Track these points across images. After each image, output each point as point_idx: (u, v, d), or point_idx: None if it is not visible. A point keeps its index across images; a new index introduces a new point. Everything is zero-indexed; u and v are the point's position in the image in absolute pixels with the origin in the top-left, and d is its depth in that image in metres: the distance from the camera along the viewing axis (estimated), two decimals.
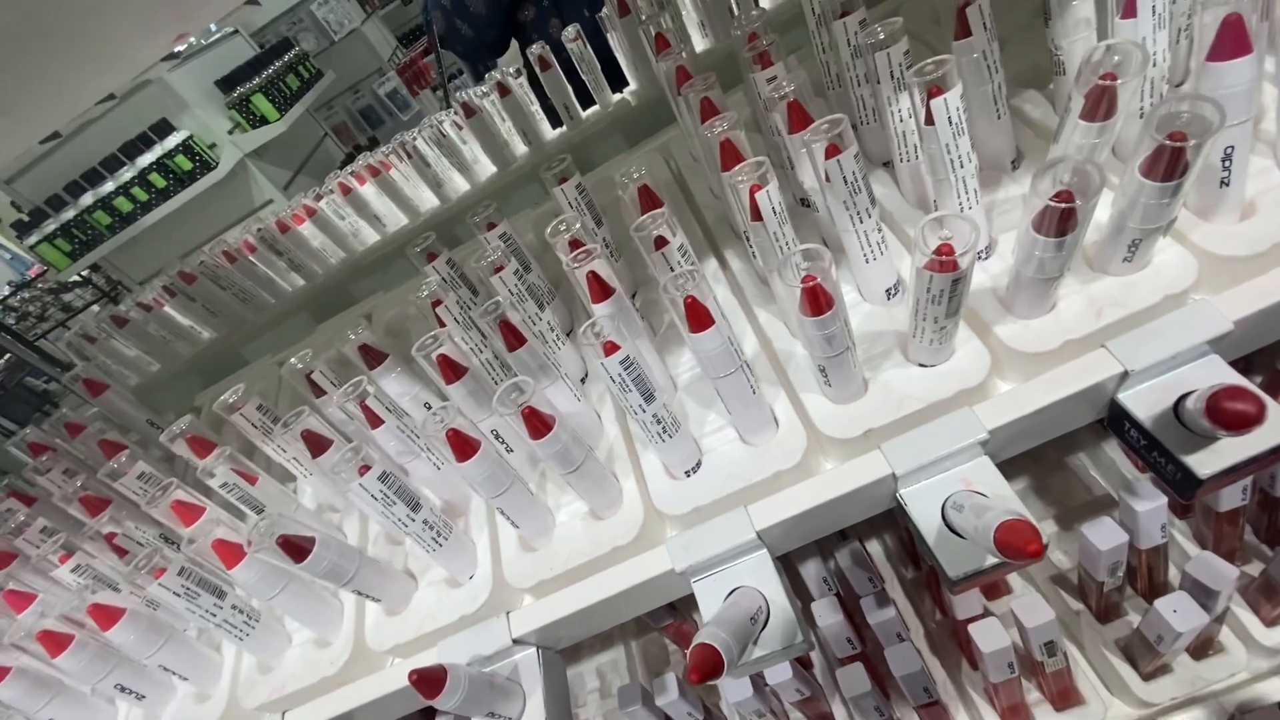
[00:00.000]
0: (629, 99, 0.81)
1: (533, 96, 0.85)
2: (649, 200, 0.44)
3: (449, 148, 0.88)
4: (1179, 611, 0.51)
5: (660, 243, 0.41)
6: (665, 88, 0.53)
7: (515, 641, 0.42)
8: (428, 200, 0.90)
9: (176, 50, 2.18)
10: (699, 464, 0.43)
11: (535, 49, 0.79)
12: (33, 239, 2.19)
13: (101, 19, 0.53)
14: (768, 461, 0.40)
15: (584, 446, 0.40)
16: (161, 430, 0.70)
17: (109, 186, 2.13)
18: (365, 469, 0.40)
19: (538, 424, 0.38)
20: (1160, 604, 0.52)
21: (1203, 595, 0.52)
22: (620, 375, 0.37)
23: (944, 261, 0.31)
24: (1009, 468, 0.37)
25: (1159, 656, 0.55)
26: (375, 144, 3.34)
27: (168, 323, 0.92)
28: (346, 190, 0.91)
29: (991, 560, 0.35)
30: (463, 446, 0.39)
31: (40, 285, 4.68)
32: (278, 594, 0.44)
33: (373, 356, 0.49)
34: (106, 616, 0.45)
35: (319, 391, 0.50)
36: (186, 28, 0.85)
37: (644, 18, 0.69)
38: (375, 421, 0.45)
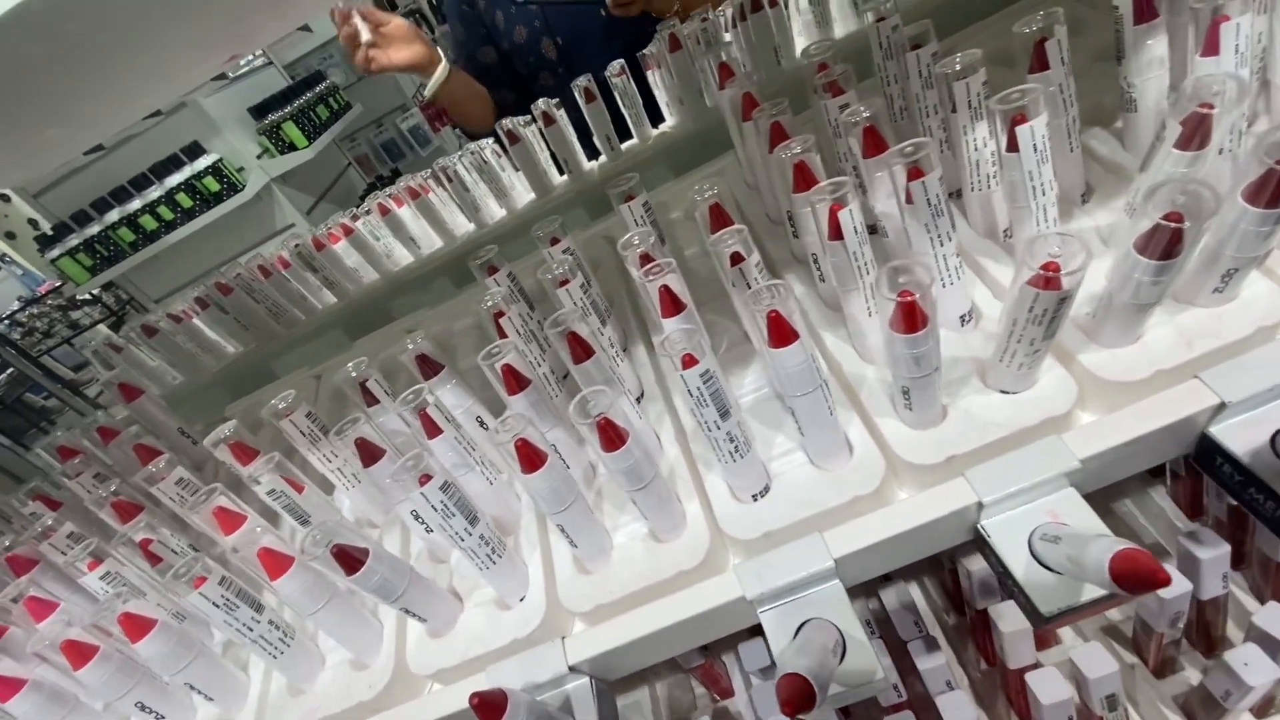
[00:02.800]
0: (669, 132, 0.83)
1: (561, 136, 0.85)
2: (720, 218, 0.44)
3: (489, 173, 0.89)
4: (1250, 665, 0.49)
5: (737, 259, 0.40)
6: (729, 114, 0.54)
7: (570, 669, 0.40)
8: (462, 225, 0.91)
9: (223, 72, 2.24)
10: (767, 488, 0.41)
11: (581, 80, 0.80)
12: (55, 253, 2.21)
13: (162, 34, 0.54)
14: (844, 487, 0.39)
15: (653, 463, 0.39)
16: (190, 438, 0.69)
17: (136, 204, 2.16)
18: (426, 478, 0.39)
19: (612, 436, 0.36)
20: (1231, 656, 0.50)
21: (1273, 648, 0.49)
22: (699, 389, 0.36)
23: (1050, 279, 0.30)
24: None
25: (1225, 714, 0.53)
26: (396, 175, 3.40)
27: (195, 335, 0.92)
28: (385, 211, 0.92)
29: (1090, 595, 0.33)
30: (531, 457, 0.38)
31: (49, 302, 4.71)
32: (320, 609, 0.42)
33: (429, 367, 0.48)
34: (137, 627, 0.43)
35: (371, 401, 0.49)
36: (240, 48, 0.88)
37: (705, 47, 0.71)
38: (433, 431, 0.44)
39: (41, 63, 0.43)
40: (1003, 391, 0.39)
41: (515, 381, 0.43)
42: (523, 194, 0.89)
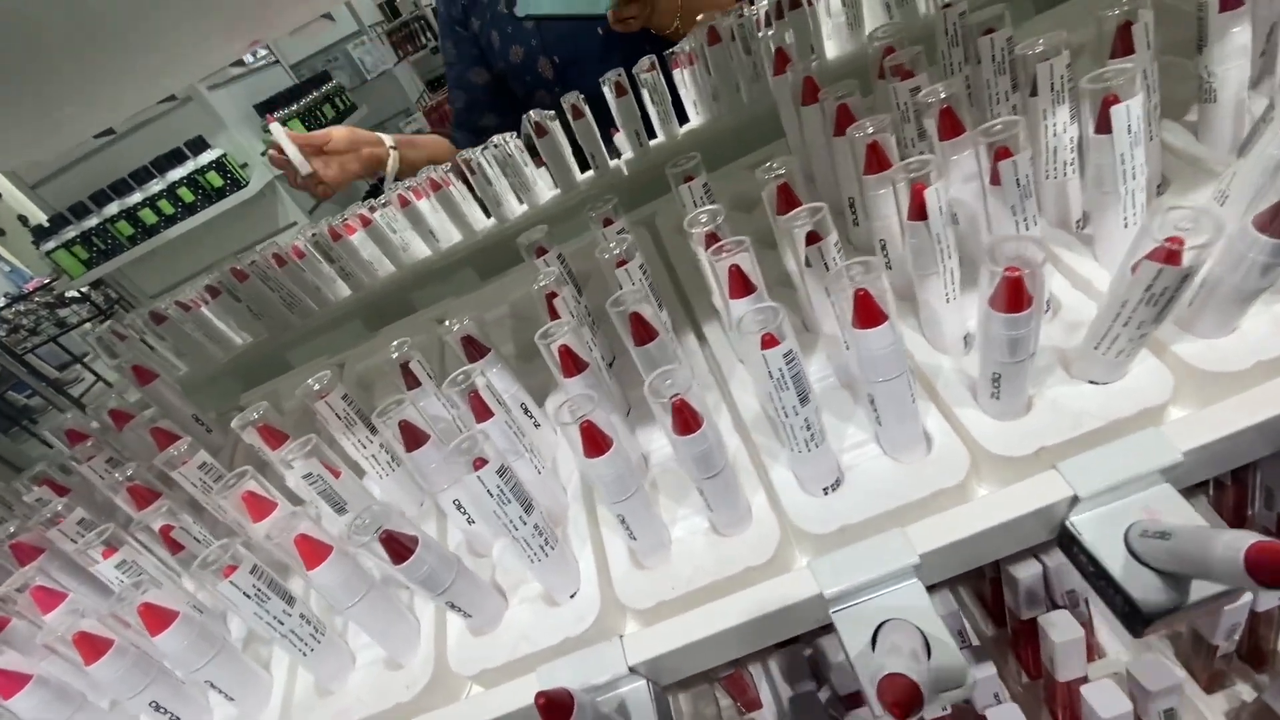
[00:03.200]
0: (700, 129, 0.81)
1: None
2: (789, 198, 0.42)
3: (514, 167, 0.87)
4: None
5: (813, 238, 0.38)
6: (787, 101, 0.52)
7: (630, 670, 0.37)
8: (480, 219, 0.89)
9: (239, 59, 2.22)
10: (838, 481, 0.39)
11: (613, 74, 0.79)
12: (50, 244, 2.16)
13: (187, 15, 0.52)
14: (924, 480, 0.37)
15: (724, 450, 0.37)
16: (204, 425, 0.66)
17: (136, 198, 2.13)
18: (481, 462, 0.36)
19: (689, 418, 0.34)
20: None
21: None
22: (781, 370, 0.34)
23: (1174, 252, 0.28)
24: None
25: None
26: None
27: (203, 324, 0.89)
28: (404, 203, 0.89)
29: (1200, 595, 0.31)
30: (597, 441, 0.35)
31: (37, 299, 4.63)
32: (357, 603, 0.40)
33: (475, 349, 0.46)
34: (158, 619, 0.40)
35: (412, 384, 0.47)
36: (262, 34, 0.85)
37: (741, 43, 0.70)
38: (484, 414, 0.41)
39: (62, 38, 0.41)
40: (1091, 382, 0.37)
41: (573, 363, 0.41)
42: (543, 190, 0.87)
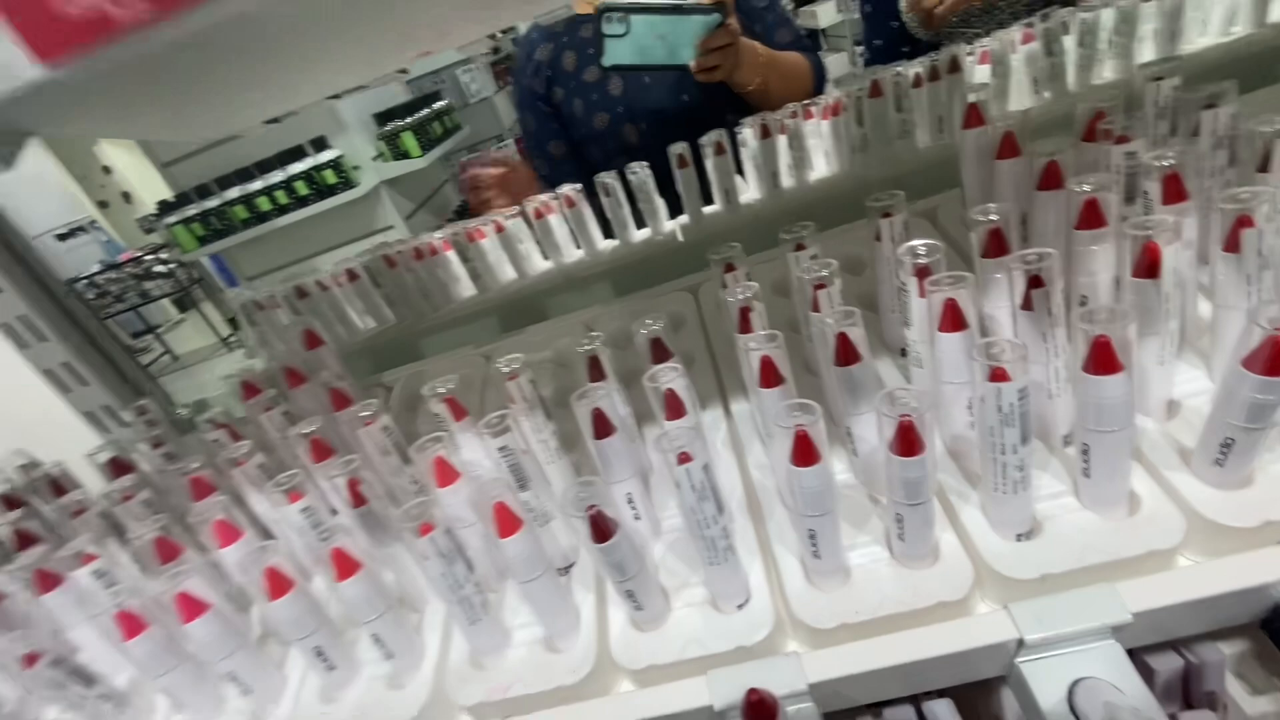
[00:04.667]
0: (819, 183, 0.84)
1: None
2: (999, 244, 0.43)
3: (645, 193, 0.90)
4: None
5: (1036, 282, 0.39)
6: (976, 154, 0.54)
7: (810, 688, 0.37)
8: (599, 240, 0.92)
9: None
10: (1032, 530, 0.39)
11: (714, 135, 0.82)
12: (172, 219, 2.33)
13: (374, 20, 0.57)
14: (1136, 538, 0.36)
15: (934, 479, 0.37)
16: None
17: (256, 185, 2.28)
18: (686, 457, 0.37)
19: (913, 440, 0.35)
20: None
21: None
22: (1011, 406, 0.34)
23: None
24: None
25: None
26: None
27: (334, 304, 0.94)
28: (539, 215, 0.94)
29: None
30: (807, 452, 0.36)
31: (127, 269, 4.96)
32: (537, 578, 0.41)
33: (661, 351, 0.48)
34: (347, 566, 0.42)
35: (596, 376, 0.48)
36: (433, 46, 0.93)
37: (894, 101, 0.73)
38: (677, 411, 0.43)
39: (282, 25, 0.45)
40: None
41: (773, 376, 0.42)
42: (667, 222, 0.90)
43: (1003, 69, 0.81)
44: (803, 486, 0.37)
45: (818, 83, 1.13)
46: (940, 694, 0.59)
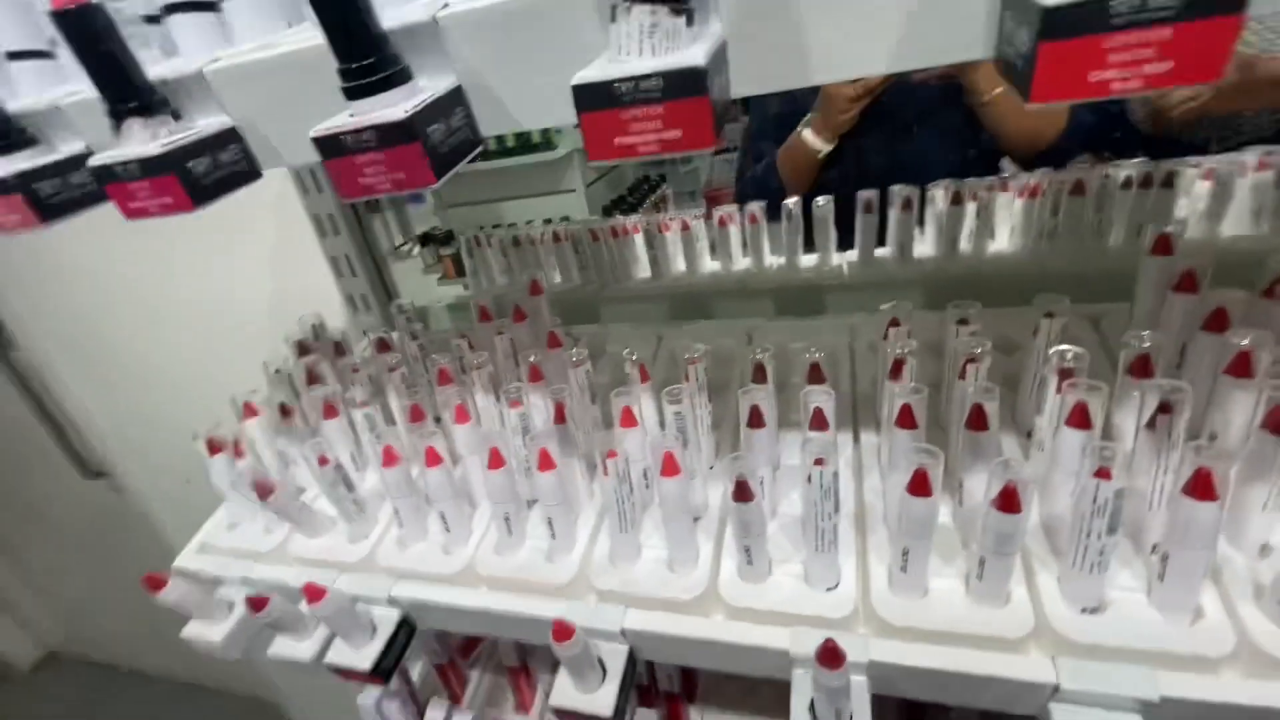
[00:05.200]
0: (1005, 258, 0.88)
1: None
2: (1145, 368, 0.49)
3: (823, 227, 0.98)
4: None
5: (1165, 408, 0.45)
6: (1154, 280, 0.59)
7: (870, 663, 0.47)
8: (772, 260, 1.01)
9: None
10: (1098, 609, 0.46)
11: (904, 190, 0.88)
12: None
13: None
14: (1187, 639, 0.43)
15: (1019, 539, 0.45)
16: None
17: None
18: (821, 461, 0.48)
19: (1013, 501, 0.43)
20: None
21: None
22: (1107, 500, 0.42)
23: None
24: None
25: None
26: (662, 181, 3.70)
27: (538, 257, 1.12)
28: (723, 224, 1.05)
29: None
30: (922, 487, 0.46)
31: None
32: (677, 515, 0.54)
33: (817, 375, 0.58)
34: (547, 461, 0.57)
35: (760, 378, 0.60)
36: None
37: (1097, 199, 0.76)
38: (822, 426, 0.53)
39: None
40: None
41: (910, 420, 0.51)
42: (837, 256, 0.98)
43: (1223, 192, 0.81)
44: (910, 513, 0.47)
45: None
46: None
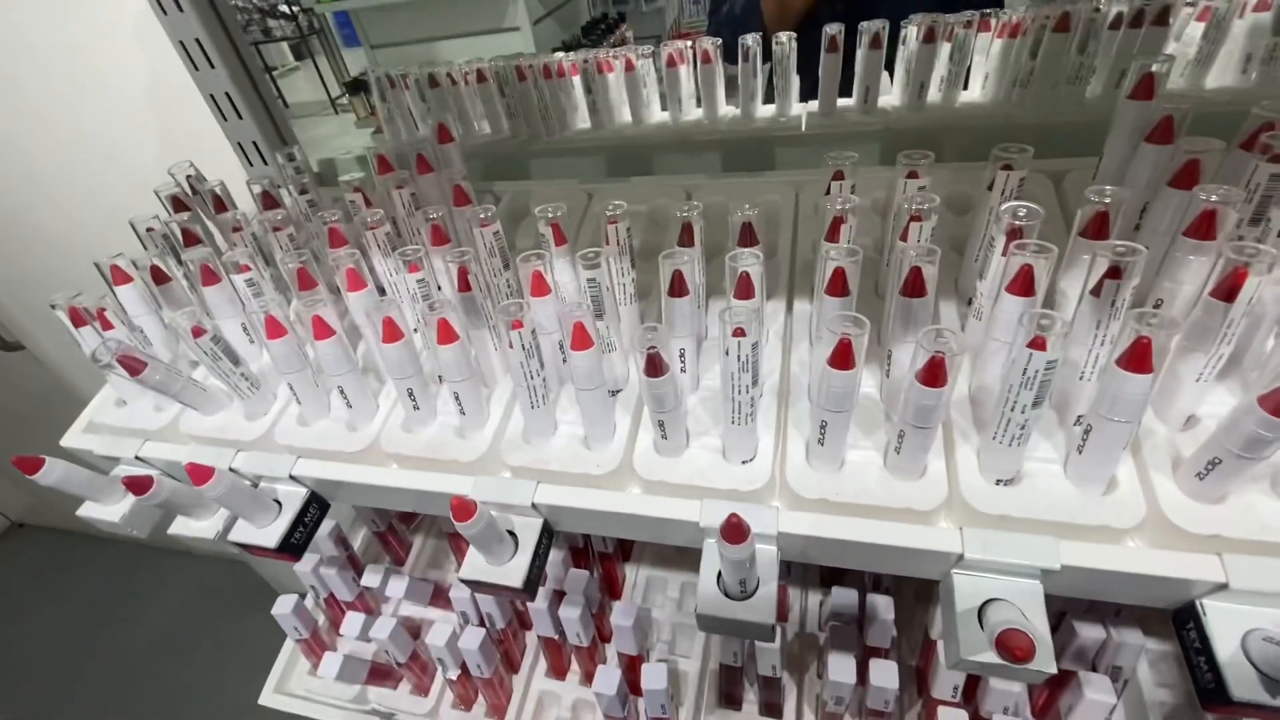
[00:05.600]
0: (980, 107, 0.80)
1: None
2: (1101, 228, 0.44)
3: (783, 70, 0.87)
4: None
5: (1114, 273, 0.41)
6: (1129, 127, 0.52)
7: (779, 534, 0.46)
8: (727, 110, 0.90)
9: None
10: (1013, 480, 0.45)
11: (875, 25, 0.77)
12: None
13: None
14: (1095, 511, 0.42)
15: (941, 413, 0.42)
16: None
17: None
18: (740, 331, 0.44)
19: (938, 375, 0.40)
20: None
21: None
22: (1037, 371, 0.38)
23: None
24: None
25: None
26: (621, 20, 3.32)
27: (458, 101, 0.98)
28: (671, 62, 0.92)
29: None
30: (844, 359, 0.42)
31: (255, 1, 4.97)
32: (594, 389, 0.49)
33: (750, 237, 0.52)
34: (447, 333, 0.51)
35: (687, 241, 0.54)
36: None
37: (1080, 40, 0.67)
38: (748, 294, 0.48)
39: None
40: None
41: (841, 287, 0.46)
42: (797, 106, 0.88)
43: (1216, 34, 0.73)
44: (830, 386, 0.43)
45: None
46: (885, 592, 0.69)
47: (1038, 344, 0.38)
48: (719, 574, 0.47)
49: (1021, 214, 0.44)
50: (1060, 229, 0.59)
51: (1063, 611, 0.67)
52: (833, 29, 0.81)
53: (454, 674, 0.78)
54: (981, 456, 0.46)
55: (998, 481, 0.45)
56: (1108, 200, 0.44)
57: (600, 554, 0.88)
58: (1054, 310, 0.44)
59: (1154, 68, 0.52)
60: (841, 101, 0.85)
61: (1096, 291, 0.42)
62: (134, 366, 0.56)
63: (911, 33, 0.81)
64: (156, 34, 0.86)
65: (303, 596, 0.87)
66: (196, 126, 0.97)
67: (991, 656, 0.39)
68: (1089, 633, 0.64)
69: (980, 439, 0.46)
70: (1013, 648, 0.35)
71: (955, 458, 0.46)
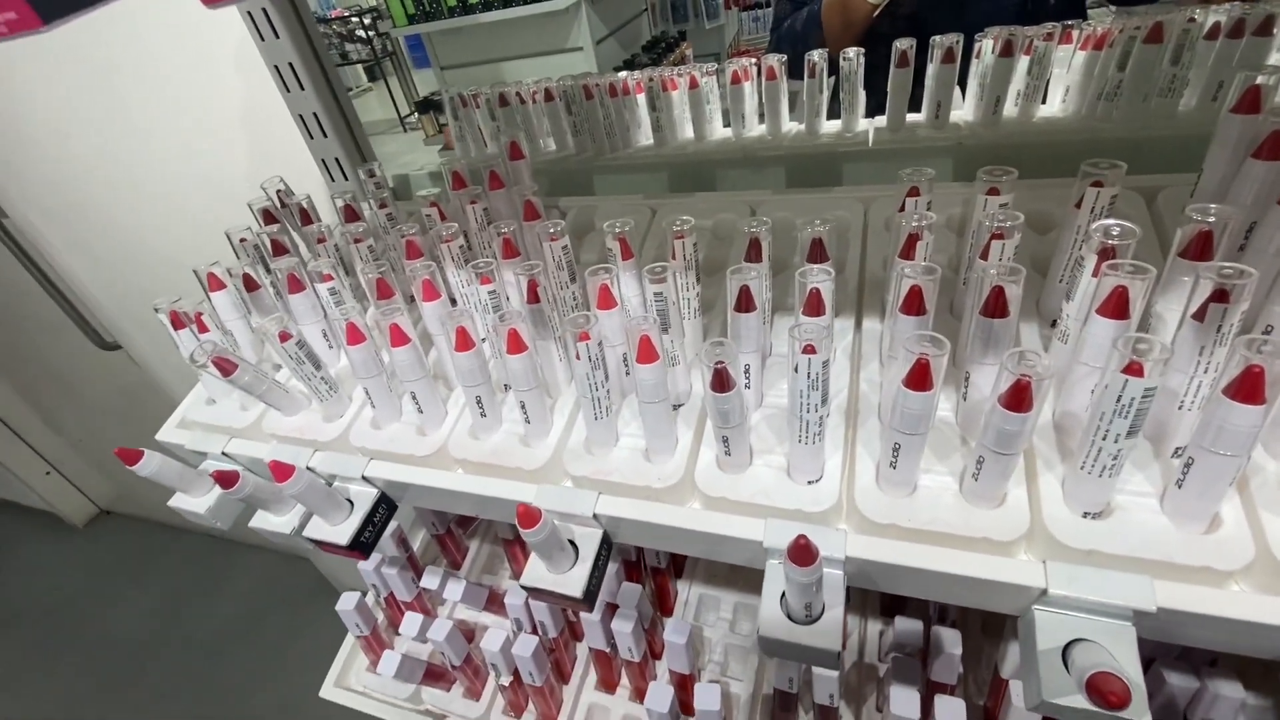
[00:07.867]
0: (1061, 122, 0.76)
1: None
2: (1204, 248, 0.42)
3: (850, 85, 0.86)
4: None
5: (1219, 296, 0.39)
6: (1233, 141, 0.49)
7: (846, 559, 0.45)
8: (790, 125, 0.90)
9: None
10: (1103, 513, 0.42)
11: (949, 39, 0.74)
12: None
13: None
14: (1196, 551, 0.39)
15: (1024, 440, 0.40)
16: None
17: None
18: (811, 349, 0.43)
19: (1023, 399, 0.38)
20: None
21: None
22: (1133, 401, 0.36)
23: None
24: None
25: None
26: (682, 38, 3.36)
27: (526, 120, 1.01)
28: (735, 79, 0.92)
29: None
30: (921, 380, 0.40)
31: (334, 27, 5.27)
32: (655, 403, 0.49)
33: (820, 253, 0.51)
34: (516, 344, 0.52)
35: (754, 257, 0.53)
36: None
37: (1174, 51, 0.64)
38: (818, 311, 0.48)
39: None
40: None
41: (917, 305, 0.45)
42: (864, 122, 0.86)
43: None
44: (905, 407, 0.42)
45: None
46: (951, 625, 0.66)
47: (1134, 369, 0.36)
48: (782, 595, 0.46)
49: (1115, 233, 0.41)
50: (1154, 249, 0.56)
51: (1151, 658, 0.62)
52: (903, 44, 0.80)
53: (506, 680, 0.79)
54: (1067, 486, 0.43)
55: (1085, 514, 0.42)
56: (1212, 219, 0.41)
57: (653, 569, 0.88)
58: (1149, 334, 0.41)
59: (1259, 80, 0.48)
60: (910, 117, 0.84)
61: (1200, 316, 0.39)
62: (226, 367, 0.60)
63: (987, 46, 0.79)
64: (251, 61, 0.93)
65: (364, 594, 0.90)
66: (283, 145, 1.03)
67: (1080, 700, 0.36)
68: (1180, 682, 0.60)
69: (1066, 468, 0.44)
70: (1106, 693, 0.33)
71: (1037, 487, 0.44)
